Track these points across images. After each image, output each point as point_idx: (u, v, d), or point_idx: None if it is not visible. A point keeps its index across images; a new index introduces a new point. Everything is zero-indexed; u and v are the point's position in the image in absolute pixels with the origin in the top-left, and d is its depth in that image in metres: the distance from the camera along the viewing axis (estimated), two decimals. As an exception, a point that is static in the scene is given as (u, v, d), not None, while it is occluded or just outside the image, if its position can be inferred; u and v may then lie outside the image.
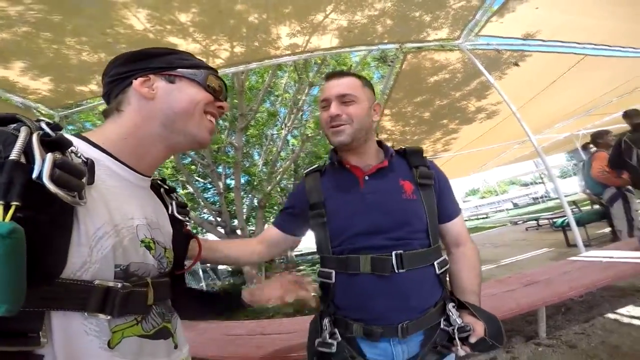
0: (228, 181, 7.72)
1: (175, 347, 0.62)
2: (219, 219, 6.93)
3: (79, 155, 0.50)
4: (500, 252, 6.40)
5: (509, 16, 3.22)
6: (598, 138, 4.11)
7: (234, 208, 7.11)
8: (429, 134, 7.04)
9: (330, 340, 0.88)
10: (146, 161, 0.65)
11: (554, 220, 6.81)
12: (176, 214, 0.74)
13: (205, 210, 7.86)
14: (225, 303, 0.93)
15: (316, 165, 1.11)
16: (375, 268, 0.86)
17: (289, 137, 7.65)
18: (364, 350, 0.89)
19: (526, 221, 9.82)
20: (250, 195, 8.43)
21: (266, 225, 7.95)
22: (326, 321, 0.91)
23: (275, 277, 0.90)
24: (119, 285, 0.50)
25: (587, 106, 6.59)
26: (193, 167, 7.66)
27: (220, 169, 7.48)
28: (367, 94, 0.99)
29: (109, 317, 0.49)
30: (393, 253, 0.86)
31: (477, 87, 4.98)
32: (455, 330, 0.85)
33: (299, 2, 2.87)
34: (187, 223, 0.78)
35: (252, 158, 8.56)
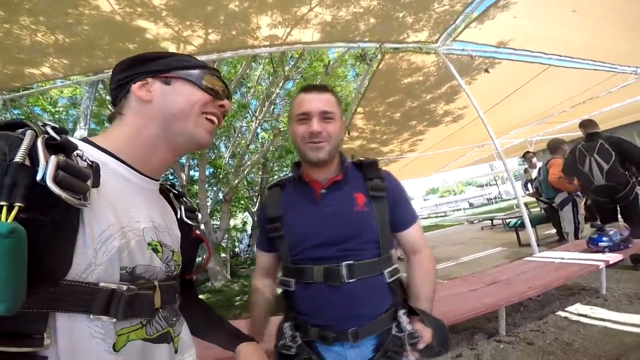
0: (192, 173, 7.35)
1: (176, 351, 0.62)
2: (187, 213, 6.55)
3: (84, 158, 0.50)
4: (459, 250, 6.76)
5: (487, 23, 3.34)
6: (554, 146, 4.44)
7: (197, 201, 6.77)
8: (397, 134, 7.20)
9: (290, 344, 0.93)
10: (152, 164, 0.65)
11: (508, 220, 7.32)
12: (185, 218, 0.75)
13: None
14: (224, 337, 0.85)
15: (277, 180, 1.15)
16: (327, 278, 0.91)
17: (259, 130, 7.42)
18: (322, 353, 0.94)
19: (481, 220, 10.39)
20: (215, 189, 8.09)
21: (232, 221, 7.74)
22: (287, 325, 0.97)
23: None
24: (124, 287, 0.50)
25: (544, 114, 7.13)
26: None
27: (183, 160, 7.08)
28: (340, 110, 1.03)
29: (114, 320, 0.49)
30: (343, 264, 0.90)
31: (447, 91, 5.17)
32: (406, 337, 0.90)
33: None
34: (196, 227, 0.79)
35: (219, 150, 8.21)
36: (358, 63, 6.87)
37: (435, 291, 1.03)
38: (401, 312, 0.94)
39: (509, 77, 4.72)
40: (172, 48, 3.12)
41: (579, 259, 2.91)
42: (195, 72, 0.66)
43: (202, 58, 3.52)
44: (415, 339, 0.89)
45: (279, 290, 1.07)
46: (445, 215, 20.69)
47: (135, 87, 0.63)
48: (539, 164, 5.29)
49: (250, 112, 7.21)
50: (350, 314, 0.90)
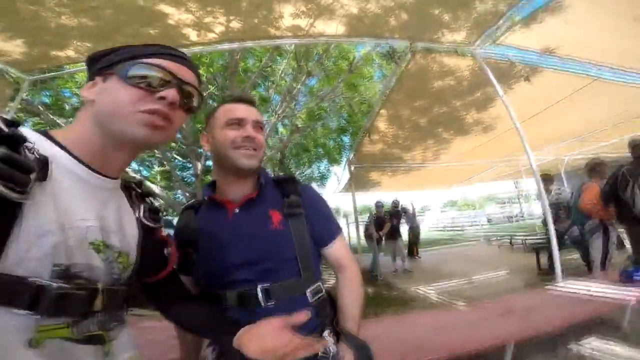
0: (208, 163, 7.31)
1: (106, 354, 0.59)
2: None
3: (33, 151, 0.50)
4: (472, 268, 6.43)
5: (534, 27, 3.02)
6: (593, 168, 4.04)
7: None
8: (421, 140, 6.85)
9: None
10: (108, 162, 0.62)
11: (529, 242, 6.86)
12: (143, 218, 0.71)
13: (179, 191, 7.43)
14: (218, 331, 0.80)
15: (189, 203, 1.11)
16: (242, 303, 0.87)
17: (278, 126, 7.30)
18: None
19: (499, 239, 9.92)
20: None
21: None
22: (209, 350, 0.92)
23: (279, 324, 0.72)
24: (54, 285, 0.50)
25: (581, 131, 6.59)
26: (173, 144, 7.18)
27: (201, 150, 7.06)
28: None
29: (37, 316, 0.48)
30: (259, 287, 0.87)
31: (480, 98, 4.81)
32: (330, 359, 0.87)
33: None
34: (161, 229, 0.78)
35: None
36: (385, 63, 6.59)
37: (361, 310, 0.99)
38: (326, 333, 0.92)
39: (550, 88, 4.33)
40: (193, 35, 3.03)
41: (608, 291, 2.62)
42: (122, 65, 0.60)
43: (224, 47, 3.42)
44: None
45: None
46: (461, 230, 20.05)
47: (84, 88, 0.62)
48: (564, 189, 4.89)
49: (271, 107, 7.11)
50: None
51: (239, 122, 0.93)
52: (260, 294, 0.86)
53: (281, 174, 8.13)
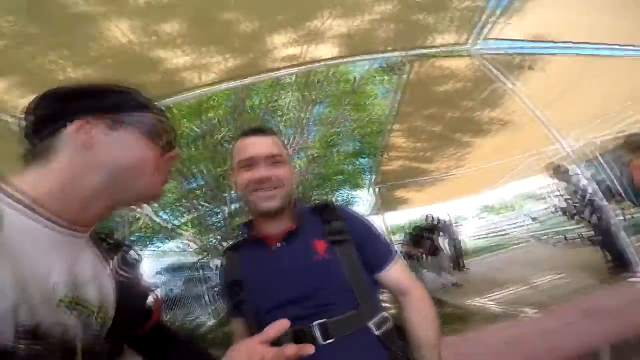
0: (235, 206, 7.50)
1: None
2: (225, 244, 6.66)
3: None
4: (529, 272, 5.83)
5: (517, 17, 2.97)
6: (635, 144, 3.66)
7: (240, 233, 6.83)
8: (441, 149, 6.69)
9: None
10: (85, 214, 0.55)
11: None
12: (118, 270, 0.65)
13: (211, 236, 7.62)
14: None
15: (231, 244, 1.07)
16: (298, 342, 0.73)
17: (295, 159, 7.45)
18: None
19: (552, 236, 9.15)
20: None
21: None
22: None
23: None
24: (22, 346, 0.45)
25: (603, 111, 6.10)
26: (199, 192, 7.51)
27: (226, 194, 7.29)
28: (287, 153, 0.97)
29: None
30: (315, 324, 0.78)
31: (490, 95, 4.66)
32: None
33: (291, 8, 2.70)
34: (139, 280, 0.72)
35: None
36: (387, 78, 6.68)
37: (438, 335, 0.88)
38: None
39: (557, 73, 4.13)
40: (194, 78, 3.22)
41: None
42: (147, 118, 0.58)
43: (227, 86, 3.67)
44: None
45: None
46: (506, 234, 18.79)
47: (72, 127, 0.52)
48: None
49: (284, 141, 7.30)
50: None
51: (250, 163, 0.88)
52: (317, 332, 0.78)
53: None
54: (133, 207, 4.46)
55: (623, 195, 4.24)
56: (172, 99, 3.26)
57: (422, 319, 0.89)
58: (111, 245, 0.69)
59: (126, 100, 0.59)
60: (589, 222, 4.58)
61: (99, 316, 0.58)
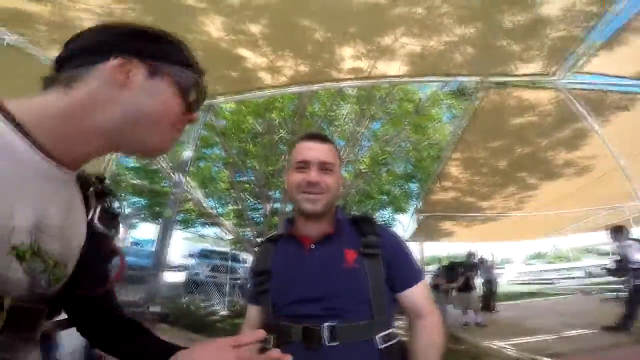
0: (275, 205, 7.68)
1: None
2: (259, 240, 6.84)
3: None
4: (564, 322, 5.56)
5: (619, 50, 2.63)
6: None
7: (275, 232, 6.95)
8: (501, 187, 6.17)
9: None
10: (75, 152, 0.52)
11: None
12: (96, 222, 0.59)
13: (248, 229, 7.87)
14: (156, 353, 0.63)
15: (270, 235, 1.12)
16: (306, 338, 0.85)
17: (342, 170, 7.45)
18: None
19: (602, 292, 8.40)
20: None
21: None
22: None
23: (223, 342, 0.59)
24: None
25: None
26: (247, 185, 7.82)
27: (271, 192, 7.50)
28: (339, 163, 1.03)
29: None
30: (325, 324, 0.84)
31: (570, 135, 4.18)
32: None
33: (365, 20, 2.68)
34: (112, 236, 0.64)
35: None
36: (455, 102, 6.37)
37: None
38: None
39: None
40: (267, 78, 3.40)
41: None
42: (188, 73, 0.57)
43: (293, 89, 3.79)
44: None
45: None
46: (551, 284, 17.35)
47: (112, 63, 0.50)
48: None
49: (339, 152, 7.31)
50: None
51: (303, 165, 0.95)
52: (325, 332, 0.83)
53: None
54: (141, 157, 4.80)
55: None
56: (244, 95, 3.44)
57: (428, 344, 0.92)
58: (98, 191, 0.63)
59: (172, 51, 0.57)
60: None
61: (55, 271, 0.51)
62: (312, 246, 0.96)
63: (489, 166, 5.40)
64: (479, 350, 4.33)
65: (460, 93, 4.63)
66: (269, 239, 1.10)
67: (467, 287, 6.85)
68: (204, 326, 4.61)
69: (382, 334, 0.88)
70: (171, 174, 5.65)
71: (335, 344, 0.82)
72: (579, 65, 2.88)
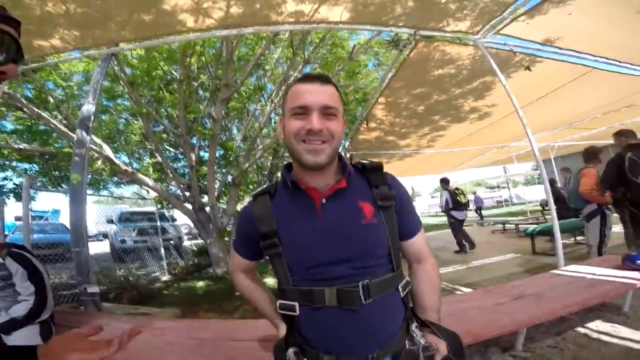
0: (202, 154, 7.15)
1: None
2: (187, 194, 6.43)
3: None
4: (470, 253, 6.56)
5: (538, 17, 2.98)
6: (591, 154, 4.11)
7: (205, 183, 6.61)
8: (418, 128, 6.85)
9: None
10: None
11: (525, 227, 7.05)
12: None
13: (173, 183, 7.27)
14: None
15: (264, 187, 0.98)
16: (342, 301, 0.80)
17: (273, 115, 7.15)
18: None
19: (493, 224, 10.06)
20: (224, 171, 7.90)
21: (239, 205, 7.60)
22: (291, 352, 0.85)
23: (77, 333, 0.70)
24: None
25: (572, 119, 6.72)
26: (164, 135, 6.97)
27: (194, 140, 6.88)
28: (342, 108, 0.90)
29: None
30: (360, 284, 0.80)
31: (479, 86, 4.81)
32: (420, 351, 0.83)
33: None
34: None
35: (231, 132, 7.99)
36: (383, 51, 6.47)
37: (441, 302, 0.97)
38: (413, 326, 0.89)
39: (547, 77, 4.35)
40: (190, 21, 2.87)
41: (614, 276, 2.67)
42: None
43: (222, 33, 3.30)
44: (430, 352, 0.82)
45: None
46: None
47: None
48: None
49: (265, 96, 6.92)
50: (370, 338, 0.82)
51: (302, 111, 0.82)
52: (361, 291, 0.80)
53: (275, 162, 7.96)
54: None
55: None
56: (160, 39, 2.87)
57: (431, 284, 0.96)
58: None
59: None
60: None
61: None
62: (324, 201, 0.87)
63: (409, 110, 5.87)
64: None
65: (394, 43, 4.67)
66: (261, 192, 0.96)
67: None
68: (150, 297, 4.35)
69: (403, 283, 0.89)
70: (69, 133, 4.66)
71: (370, 300, 0.81)
72: (498, 28, 3.17)
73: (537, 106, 5.40)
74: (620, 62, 3.85)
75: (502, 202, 24.56)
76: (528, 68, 3.73)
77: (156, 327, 2.38)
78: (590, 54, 3.70)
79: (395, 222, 0.89)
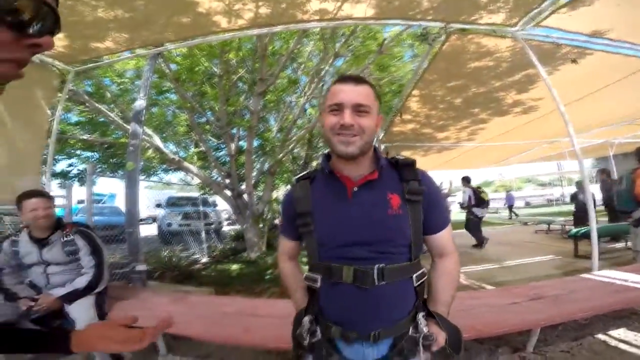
0: (241, 143, 7.56)
1: None
2: (227, 181, 6.88)
3: None
4: (506, 252, 6.25)
5: (582, 9, 2.74)
6: None
7: (243, 171, 7.01)
8: (456, 120, 6.57)
9: (306, 335, 0.95)
10: None
11: (569, 228, 6.52)
12: None
13: (215, 171, 7.80)
14: (40, 345, 0.70)
15: (306, 172, 1.11)
16: (357, 279, 0.90)
17: (307, 106, 7.31)
18: (340, 348, 0.96)
19: (537, 223, 9.41)
20: (261, 160, 8.28)
21: (274, 193, 7.95)
22: (307, 319, 0.98)
23: (113, 322, 0.73)
24: None
25: (635, 114, 6.00)
26: (207, 126, 7.48)
27: (234, 131, 7.30)
28: (377, 105, 0.97)
29: None
30: (375, 266, 0.89)
31: (521, 79, 4.49)
32: (421, 338, 0.89)
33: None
34: None
35: (268, 123, 8.32)
36: (417, 43, 6.26)
37: (454, 297, 1.02)
38: (420, 315, 0.94)
39: (600, 70, 3.96)
40: (223, 22, 3.10)
41: None
42: None
43: (252, 32, 3.49)
44: (429, 341, 0.89)
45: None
46: (496, 212, 19.29)
47: None
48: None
49: (299, 88, 7.08)
50: (376, 316, 0.91)
51: (337, 108, 0.91)
52: (375, 273, 0.89)
53: (309, 152, 8.13)
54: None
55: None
56: (197, 40, 3.14)
57: (450, 280, 1.01)
58: None
59: None
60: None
61: None
62: (355, 189, 0.95)
63: (445, 102, 5.65)
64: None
65: (423, 37, 4.52)
66: (303, 177, 1.09)
67: None
68: (190, 276, 4.78)
69: (418, 273, 0.95)
70: (124, 125, 5.25)
71: (383, 283, 0.89)
72: (539, 20, 2.97)
73: (590, 100, 4.93)
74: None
75: (552, 200, 22.58)
76: (574, 61, 3.44)
77: (190, 301, 2.73)
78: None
79: (420, 217, 0.95)
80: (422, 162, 9.48)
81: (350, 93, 0.91)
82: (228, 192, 6.68)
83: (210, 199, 9.25)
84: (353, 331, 0.91)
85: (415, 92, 5.29)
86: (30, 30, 0.43)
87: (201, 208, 7.43)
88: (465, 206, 7.05)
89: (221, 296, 3.24)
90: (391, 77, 7.17)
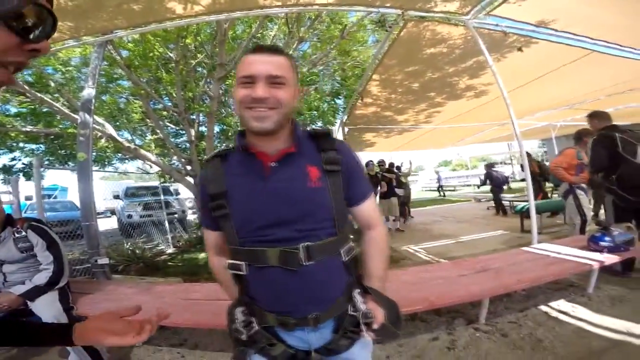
0: (202, 129, 7.28)
1: None
2: (188, 168, 6.65)
3: None
4: (461, 228, 6.78)
5: (530, 0, 2.97)
6: (582, 135, 3.95)
7: (205, 157, 6.80)
8: (414, 104, 6.88)
9: (242, 329, 0.89)
10: None
11: (515, 204, 7.18)
12: None
13: (175, 158, 7.49)
14: (42, 338, 0.71)
15: (217, 151, 0.99)
16: (284, 262, 0.84)
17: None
18: (282, 337, 0.90)
19: (488, 200, 10.12)
20: (223, 145, 8.03)
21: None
22: (239, 310, 0.91)
23: (114, 313, 0.73)
24: None
25: (574, 100, 6.66)
26: (165, 112, 7.09)
27: (194, 116, 7.00)
28: (295, 77, 0.90)
29: None
30: (300, 246, 0.83)
31: (473, 65, 4.81)
32: (361, 316, 0.88)
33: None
34: None
35: (229, 108, 8.06)
36: (378, 29, 6.36)
37: (387, 270, 0.99)
38: (356, 292, 0.92)
39: (545, 58, 4.34)
40: (178, 8, 2.94)
41: (576, 255, 2.80)
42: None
43: (211, 18, 3.36)
44: (369, 319, 0.87)
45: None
46: (454, 190, 20.35)
47: None
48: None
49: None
50: (309, 299, 0.87)
51: (249, 80, 0.83)
52: (302, 253, 0.83)
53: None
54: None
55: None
56: (151, 26, 2.96)
57: (378, 251, 0.98)
58: None
59: None
60: None
61: None
62: (273, 164, 0.88)
63: (404, 86, 5.89)
64: (398, 254, 4.92)
65: (381, 24, 4.61)
66: (215, 155, 0.97)
67: (388, 194, 7.10)
68: (156, 268, 4.63)
69: (345, 247, 0.91)
70: (71, 114, 4.84)
71: (311, 262, 0.83)
72: (489, 9, 3.17)
73: (535, 85, 5.39)
74: (622, 46, 3.80)
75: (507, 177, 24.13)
76: (520, 49, 3.73)
77: (157, 290, 2.72)
78: (588, 37, 3.67)
79: (340, 187, 0.90)
80: (385, 143, 9.79)
81: (264, 64, 0.82)
82: (190, 179, 6.48)
83: (172, 187, 8.83)
84: (288, 316, 0.87)
85: (375, 76, 5.44)
86: (31, 36, 0.44)
87: (162, 197, 7.07)
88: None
89: (187, 284, 3.25)
90: (354, 62, 7.24)
